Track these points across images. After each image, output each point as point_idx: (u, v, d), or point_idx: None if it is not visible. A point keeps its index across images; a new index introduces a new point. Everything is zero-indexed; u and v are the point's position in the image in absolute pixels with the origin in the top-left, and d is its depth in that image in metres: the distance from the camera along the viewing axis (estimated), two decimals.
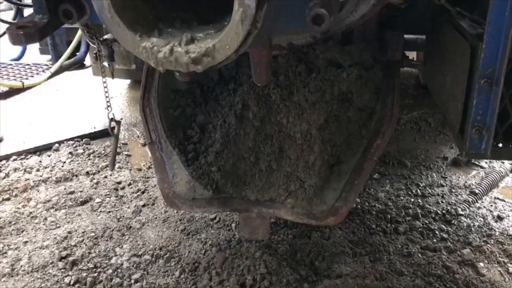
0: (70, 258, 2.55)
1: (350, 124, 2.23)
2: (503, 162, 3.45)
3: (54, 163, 3.61)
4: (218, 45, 1.22)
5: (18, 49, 4.35)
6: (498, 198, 3.10)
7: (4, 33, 3.22)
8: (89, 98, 4.75)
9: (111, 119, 2.23)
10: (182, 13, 1.41)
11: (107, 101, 2.21)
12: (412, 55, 3.74)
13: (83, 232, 2.78)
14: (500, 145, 1.71)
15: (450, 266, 2.46)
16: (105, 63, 2.24)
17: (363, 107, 2.23)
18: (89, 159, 3.68)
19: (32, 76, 3.31)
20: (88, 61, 4.10)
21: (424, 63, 2.78)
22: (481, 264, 2.49)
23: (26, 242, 2.73)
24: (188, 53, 1.27)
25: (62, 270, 2.49)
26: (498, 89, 1.54)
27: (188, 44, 1.27)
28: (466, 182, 3.28)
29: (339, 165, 2.22)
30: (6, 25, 2.75)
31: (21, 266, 2.52)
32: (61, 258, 2.56)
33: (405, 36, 2.55)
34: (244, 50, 1.25)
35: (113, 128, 2.37)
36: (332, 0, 1.28)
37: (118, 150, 3.73)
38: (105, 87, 2.23)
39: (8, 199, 3.18)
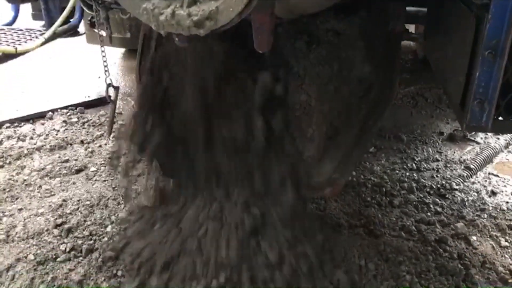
0: (66, 226, 2.55)
1: (349, 96, 2.21)
2: (498, 138, 3.47)
3: (48, 131, 3.57)
4: (221, 7, 1.19)
5: (9, 14, 4.24)
6: (492, 174, 3.12)
7: None
8: (82, 67, 4.69)
9: (109, 85, 2.19)
10: None
11: (105, 66, 2.16)
12: (410, 28, 3.70)
13: (78, 200, 2.77)
14: (501, 118, 1.70)
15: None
16: (102, 30, 2.18)
17: (363, 79, 2.21)
18: (84, 128, 3.65)
19: (25, 42, 3.24)
20: (82, 28, 4.01)
21: (425, 36, 2.74)
22: (474, 237, 2.52)
23: (21, 209, 2.72)
24: (190, 16, 1.23)
25: (58, 237, 2.49)
26: (502, 61, 1.52)
27: (190, 6, 1.23)
28: (461, 157, 3.29)
29: (337, 136, 2.21)
30: None
31: (16, 233, 2.51)
32: (56, 226, 2.55)
33: (406, 8, 2.51)
34: (248, 13, 1.21)
35: (110, 96, 2.33)
36: None
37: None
38: (102, 51, 2.18)
39: (2, 166, 3.15)
